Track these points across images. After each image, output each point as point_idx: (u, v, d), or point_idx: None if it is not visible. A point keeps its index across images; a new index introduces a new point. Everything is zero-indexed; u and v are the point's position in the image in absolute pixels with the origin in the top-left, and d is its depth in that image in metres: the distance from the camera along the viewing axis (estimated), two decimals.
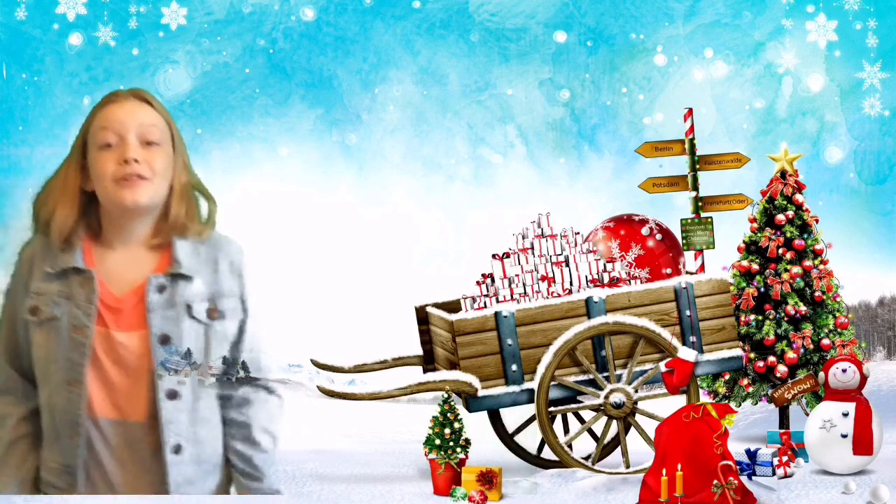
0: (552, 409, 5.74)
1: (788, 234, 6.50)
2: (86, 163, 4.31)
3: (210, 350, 4.34)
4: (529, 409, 5.92)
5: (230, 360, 4.46)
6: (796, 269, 6.45)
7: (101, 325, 4.27)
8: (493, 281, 5.86)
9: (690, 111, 6.63)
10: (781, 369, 6.36)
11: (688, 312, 5.80)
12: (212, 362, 4.36)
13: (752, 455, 5.59)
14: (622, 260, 5.97)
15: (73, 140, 4.37)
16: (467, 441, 5.46)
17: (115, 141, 4.24)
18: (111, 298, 4.29)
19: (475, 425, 5.75)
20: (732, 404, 6.43)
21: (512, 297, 5.77)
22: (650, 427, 5.38)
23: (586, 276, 5.84)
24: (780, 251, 6.49)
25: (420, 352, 6.30)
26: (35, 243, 4.37)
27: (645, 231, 6.03)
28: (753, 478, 5.42)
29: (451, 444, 5.38)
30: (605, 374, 5.73)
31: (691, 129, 6.60)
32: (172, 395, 4.25)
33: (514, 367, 5.66)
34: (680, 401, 5.66)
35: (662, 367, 5.61)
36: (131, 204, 4.24)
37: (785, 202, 6.55)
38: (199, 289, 4.34)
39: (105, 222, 4.32)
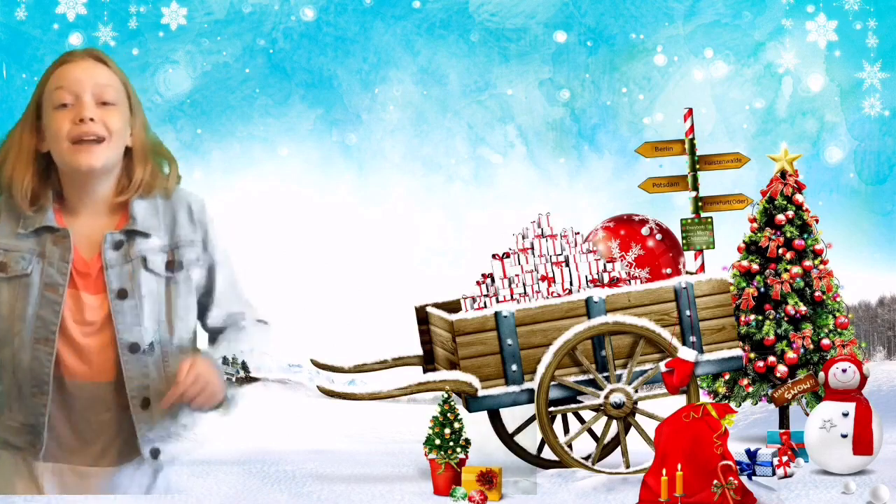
0: (552, 409, 5.74)
1: (788, 234, 6.50)
2: (40, 124, 4.30)
3: (172, 301, 4.33)
4: (529, 409, 5.92)
5: (229, 360, 4.46)
6: (796, 269, 6.45)
7: (72, 286, 4.26)
8: (493, 281, 5.86)
9: (690, 111, 6.63)
10: (781, 369, 6.36)
11: (688, 312, 5.80)
12: (181, 341, 4.34)
13: (752, 455, 5.59)
14: (622, 260, 5.97)
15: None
16: (467, 441, 5.46)
17: (71, 101, 4.24)
18: (81, 263, 4.28)
19: (475, 425, 5.75)
20: (732, 404, 6.43)
21: (512, 297, 5.77)
22: (650, 427, 5.38)
23: (586, 276, 5.84)
24: (780, 251, 6.49)
25: (420, 352, 6.30)
26: (3, 204, 4.36)
27: (645, 231, 6.04)
28: (753, 478, 5.42)
29: (451, 444, 5.38)
30: (605, 374, 5.73)
31: (691, 129, 6.60)
32: (134, 348, 4.23)
33: (514, 367, 5.66)
34: (680, 401, 5.66)
35: (662, 367, 5.61)
36: (86, 167, 4.23)
37: (785, 202, 6.55)
38: (155, 242, 4.33)
39: (66, 186, 4.32)
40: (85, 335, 4.25)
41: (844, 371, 5.54)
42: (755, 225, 6.61)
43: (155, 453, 4.32)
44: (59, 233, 4.26)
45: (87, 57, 4.35)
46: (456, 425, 5.43)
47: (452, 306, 6.07)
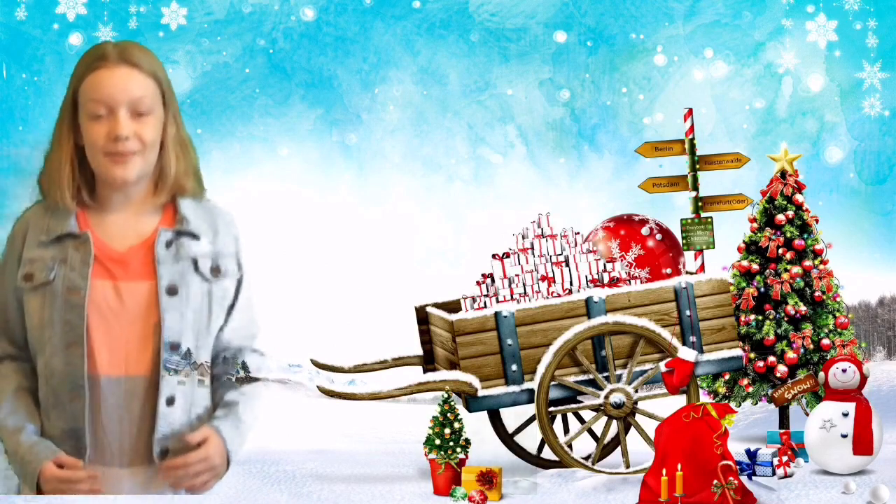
0: (552, 409, 5.74)
1: (788, 234, 6.50)
2: (76, 120, 4.30)
3: (212, 308, 4.35)
4: (529, 409, 5.92)
5: (230, 360, 4.47)
6: (796, 269, 6.45)
7: (108, 277, 4.27)
8: (493, 281, 5.86)
9: (690, 111, 6.63)
10: (781, 369, 6.36)
11: (688, 312, 5.80)
12: (206, 354, 4.35)
13: (752, 455, 5.59)
14: (622, 260, 5.97)
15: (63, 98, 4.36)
16: (467, 441, 5.46)
17: (105, 113, 4.24)
18: (115, 253, 4.29)
19: (475, 425, 5.75)
20: (732, 404, 6.43)
21: (512, 297, 5.77)
22: (650, 427, 5.38)
23: (586, 276, 5.84)
24: (780, 251, 6.49)
25: (420, 352, 6.30)
26: (27, 216, 4.38)
27: (645, 231, 6.04)
28: (753, 478, 5.42)
29: (451, 444, 5.38)
30: (605, 374, 5.73)
31: (691, 129, 6.60)
32: (175, 347, 4.25)
33: (514, 367, 5.66)
34: (680, 401, 5.66)
35: (662, 367, 5.61)
36: (121, 181, 4.25)
37: (785, 202, 6.55)
38: (205, 247, 4.35)
39: (99, 184, 4.33)
40: (124, 325, 4.26)
41: (844, 371, 5.54)
42: (755, 225, 6.61)
43: (164, 453, 4.33)
44: (79, 238, 4.28)
45: (120, 62, 4.31)
46: (456, 425, 5.43)
47: (452, 306, 6.07)
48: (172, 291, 4.27)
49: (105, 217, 4.35)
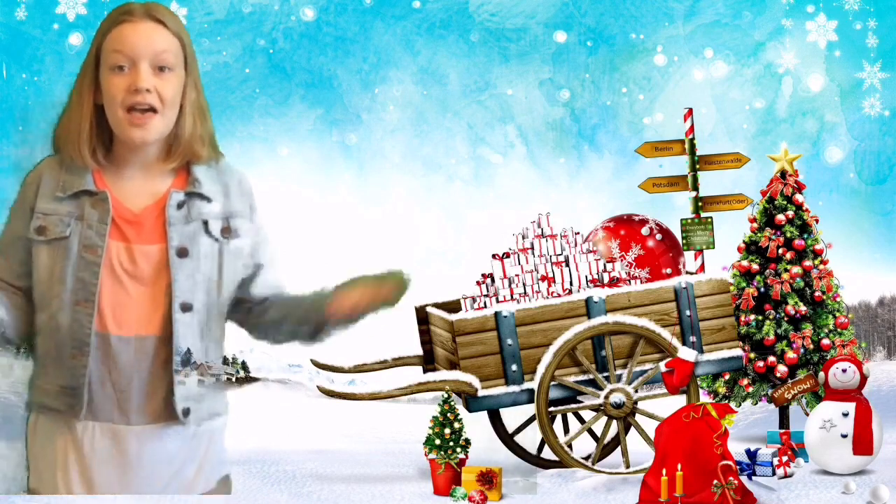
0: (552, 409, 5.74)
1: (788, 234, 6.50)
2: (98, 76, 4.29)
3: (223, 266, 4.36)
4: (529, 409, 5.92)
5: (229, 359, 4.47)
6: (796, 269, 6.45)
7: (122, 239, 4.27)
8: (493, 281, 5.86)
9: (690, 111, 6.63)
10: (781, 369, 6.36)
11: (688, 312, 5.80)
12: (221, 307, 4.35)
13: (752, 455, 5.59)
14: (622, 260, 5.97)
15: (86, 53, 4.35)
16: (467, 441, 5.46)
17: (128, 64, 4.22)
18: (129, 213, 4.29)
19: (475, 425, 5.75)
20: (732, 404, 6.43)
21: (512, 297, 5.77)
22: (650, 427, 5.38)
23: (586, 276, 5.84)
24: (780, 251, 6.49)
25: (420, 352, 6.30)
26: (42, 167, 4.36)
27: (645, 231, 6.04)
28: (753, 478, 5.42)
29: (451, 444, 5.38)
30: (605, 374, 5.73)
31: (691, 129, 6.60)
32: (186, 307, 4.25)
33: (514, 367, 5.66)
34: (680, 401, 5.66)
35: (662, 367, 5.61)
36: (139, 141, 4.25)
37: (785, 202, 6.55)
38: (215, 208, 4.35)
39: (116, 143, 4.32)
40: (136, 286, 4.26)
41: (844, 371, 5.54)
42: (755, 225, 6.61)
43: (186, 412, 4.32)
44: (97, 196, 4.27)
45: (146, 17, 4.31)
46: (456, 425, 5.43)
47: (452, 306, 6.07)
48: (183, 253, 4.28)
49: (120, 176, 4.36)
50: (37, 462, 4.35)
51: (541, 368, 5.64)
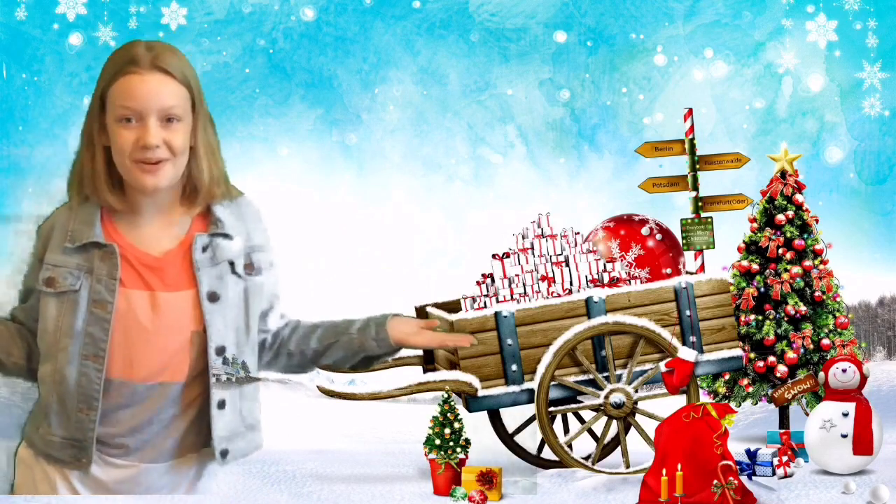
0: (552, 409, 5.74)
1: (788, 234, 6.50)
2: (105, 121, 4.26)
3: (250, 304, 4.35)
4: (529, 409, 5.92)
5: (229, 360, 4.46)
6: (796, 269, 6.45)
7: (145, 287, 4.25)
8: (493, 281, 5.86)
9: (690, 111, 6.63)
10: (781, 369, 6.36)
11: (688, 312, 5.80)
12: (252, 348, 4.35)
13: (752, 455, 5.59)
14: (622, 260, 5.97)
15: (92, 95, 4.31)
16: (467, 441, 5.46)
17: (135, 118, 4.19)
18: (151, 259, 4.26)
19: (475, 425, 5.75)
20: (732, 404, 6.43)
21: (512, 297, 5.77)
22: (650, 427, 5.38)
23: (586, 276, 5.84)
24: (780, 251, 6.49)
25: (420, 352, 6.30)
26: (54, 217, 4.35)
27: (645, 231, 6.03)
28: (753, 478, 5.42)
29: (451, 444, 5.38)
30: (605, 374, 5.73)
31: (691, 129, 6.60)
32: (220, 351, 4.24)
33: (514, 367, 5.66)
34: (680, 401, 5.66)
35: (662, 367, 5.61)
36: (152, 188, 4.22)
37: (785, 202, 6.55)
38: (238, 246, 4.34)
39: (128, 189, 4.29)
40: (161, 335, 4.23)
41: (844, 371, 5.54)
42: (755, 225, 6.61)
43: (224, 454, 4.33)
44: (106, 248, 4.23)
45: (153, 69, 4.24)
46: (456, 425, 5.43)
47: (452, 306, 6.07)
48: (214, 298, 4.26)
49: (137, 224, 4.33)
50: (23, 490, 4.35)
51: (541, 368, 5.64)
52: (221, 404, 4.29)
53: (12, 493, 4.37)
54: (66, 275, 4.23)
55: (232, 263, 4.32)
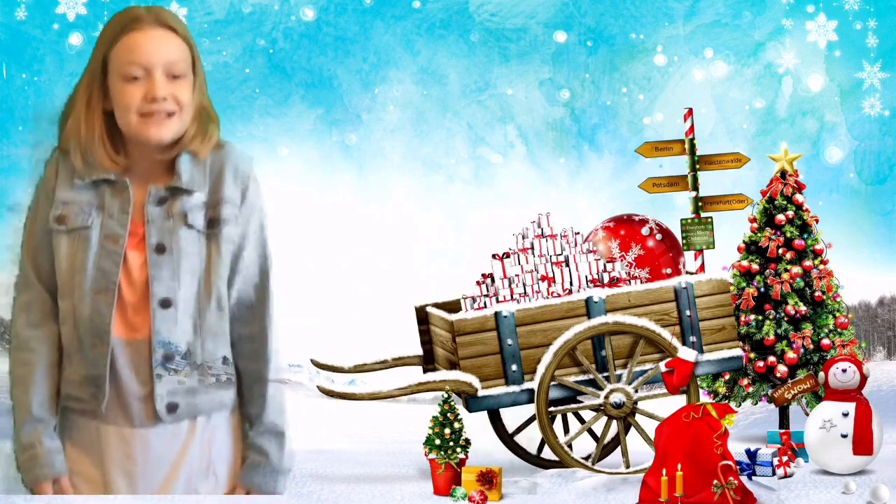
0: (552, 409, 5.74)
1: (788, 234, 6.50)
2: (106, 84, 4.26)
3: (212, 258, 4.31)
4: (529, 409, 5.92)
5: (229, 360, 4.44)
6: (796, 269, 6.45)
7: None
8: (493, 281, 5.86)
9: (690, 111, 6.63)
10: (781, 369, 6.36)
11: (688, 312, 5.80)
12: (220, 299, 4.29)
13: (752, 455, 5.59)
14: (622, 260, 5.97)
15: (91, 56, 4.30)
16: (467, 441, 5.46)
17: (142, 74, 4.19)
18: (132, 223, 4.27)
19: (475, 425, 5.75)
20: (732, 404, 6.43)
21: (512, 297, 5.77)
22: (650, 427, 5.38)
23: (586, 276, 5.84)
24: (780, 251, 6.49)
25: (420, 352, 6.30)
26: (57, 156, 4.34)
27: (645, 231, 6.04)
28: (753, 478, 5.42)
29: (451, 444, 5.38)
30: (605, 374, 5.73)
31: (691, 129, 6.60)
32: (166, 304, 4.21)
33: (514, 367, 5.66)
34: (680, 401, 5.66)
35: (662, 367, 5.61)
36: (156, 140, 4.21)
37: (785, 202, 6.55)
38: (198, 198, 4.30)
39: (130, 146, 4.28)
40: (130, 293, 4.23)
41: (844, 371, 5.54)
42: (755, 225, 6.61)
43: (172, 408, 4.29)
44: (118, 184, 4.23)
45: (157, 24, 4.26)
46: (456, 425, 5.43)
47: (452, 306, 6.07)
48: (161, 250, 4.23)
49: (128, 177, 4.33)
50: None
51: (541, 368, 5.64)
52: (167, 359, 4.26)
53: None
54: (77, 211, 4.23)
55: (185, 215, 4.28)
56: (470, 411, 5.67)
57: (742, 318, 6.46)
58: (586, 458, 5.76)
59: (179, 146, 4.30)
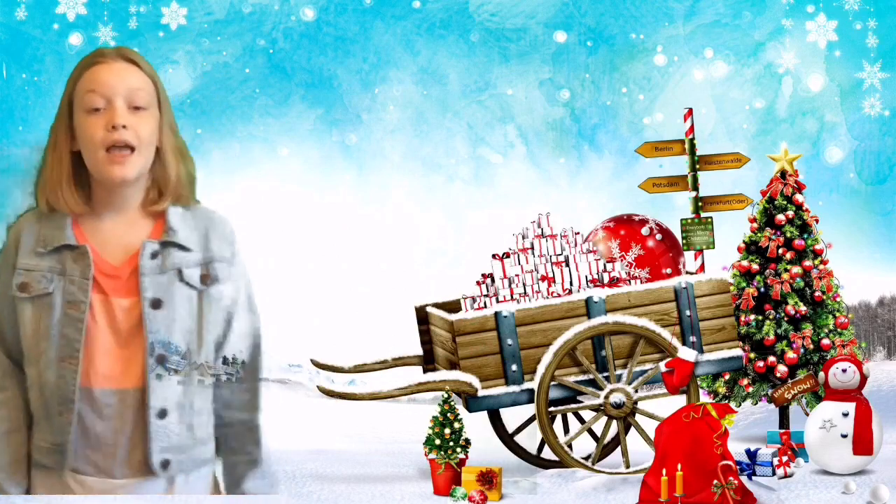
0: (552, 409, 5.74)
1: (788, 234, 6.50)
2: (72, 124, 4.29)
3: (205, 314, 4.33)
4: (529, 409, 5.92)
5: (229, 359, 4.45)
6: (796, 269, 6.45)
7: (99, 292, 4.26)
8: (493, 281, 5.86)
9: (690, 111, 6.63)
10: (781, 369, 6.36)
11: (688, 312, 5.80)
12: (207, 359, 4.34)
13: (752, 455, 5.59)
14: (622, 260, 5.97)
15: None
16: (467, 441, 5.46)
17: (103, 105, 4.22)
18: (108, 267, 4.28)
19: (475, 425, 5.75)
20: (732, 404, 6.43)
21: (512, 297, 5.77)
22: (650, 427, 5.38)
23: (586, 276, 5.84)
24: (780, 251, 6.50)
25: (420, 352, 6.30)
26: (20, 223, 4.36)
27: (645, 231, 6.04)
28: (753, 478, 5.42)
29: (451, 444, 5.38)
30: (605, 374, 5.73)
31: (691, 129, 6.60)
32: (162, 359, 4.23)
33: (514, 367, 5.66)
34: (680, 401, 5.66)
35: (662, 367, 5.61)
36: (119, 179, 4.22)
37: (785, 202, 6.55)
38: (193, 255, 4.33)
39: (96, 190, 4.31)
40: (118, 341, 4.25)
41: (844, 371, 5.54)
42: (755, 225, 6.61)
43: (165, 464, 4.32)
44: (78, 250, 4.26)
45: (118, 58, 4.32)
46: (456, 425, 5.43)
47: (452, 306, 6.07)
48: (156, 304, 4.26)
49: (100, 229, 4.33)
50: None
51: (541, 368, 5.64)
52: (162, 413, 4.28)
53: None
54: (39, 278, 4.25)
55: (180, 271, 4.31)
56: (470, 411, 5.67)
57: (742, 318, 6.46)
58: (586, 458, 5.76)
59: (165, 194, 4.32)
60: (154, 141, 4.31)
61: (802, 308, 6.41)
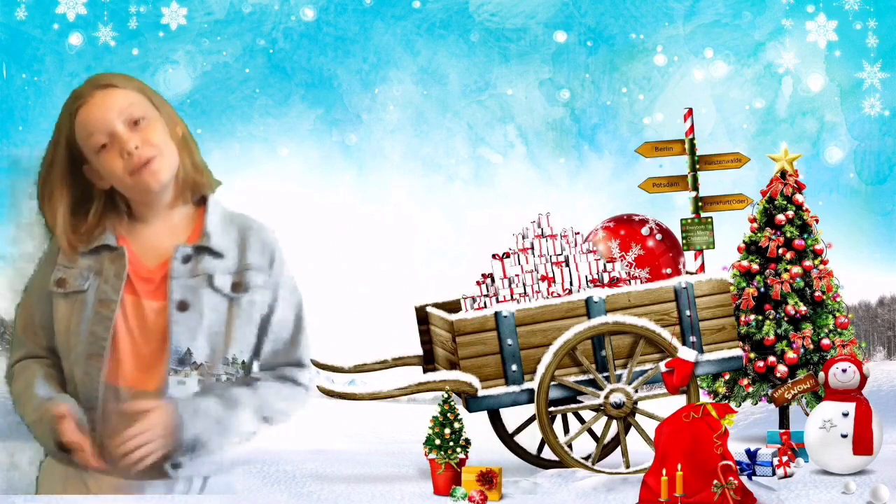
0: (552, 409, 5.74)
1: (788, 234, 6.50)
2: (72, 168, 4.31)
3: (232, 322, 4.35)
4: (529, 409, 5.92)
5: (229, 359, 4.47)
6: (796, 269, 6.45)
7: (132, 293, 4.30)
8: (493, 281, 5.86)
9: (690, 111, 6.63)
10: (781, 369, 6.36)
11: (688, 312, 5.80)
12: (229, 353, 4.35)
13: (752, 455, 5.59)
14: (622, 260, 5.97)
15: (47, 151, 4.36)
16: (467, 441, 5.46)
17: (107, 139, 4.26)
18: (143, 269, 4.32)
19: (475, 425, 5.75)
20: (732, 404, 6.43)
21: (512, 297, 5.77)
22: (650, 427, 5.38)
23: (586, 276, 5.84)
24: (780, 251, 6.49)
25: (420, 352, 6.30)
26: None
27: (645, 231, 6.04)
28: (753, 478, 5.42)
29: (451, 444, 5.38)
30: (605, 374, 5.73)
31: (691, 129, 6.60)
32: (184, 361, 4.26)
33: (514, 367, 5.66)
34: (680, 401, 5.66)
35: (662, 367, 5.61)
36: (158, 186, 4.27)
37: (785, 202, 6.55)
38: (225, 262, 4.35)
39: (133, 203, 4.34)
40: (145, 342, 4.28)
41: (844, 371, 5.54)
42: (755, 225, 6.61)
43: (176, 466, 4.34)
44: (116, 251, 4.30)
45: (94, 90, 4.35)
46: (456, 425, 5.43)
47: (452, 306, 6.07)
48: (183, 307, 4.28)
49: (140, 229, 4.37)
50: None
51: (541, 368, 5.64)
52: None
53: (38, 493, 4.42)
54: (76, 275, 4.30)
55: (210, 277, 4.34)
56: (470, 411, 5.67)
57: (742, 318, 6.46)
58: (586, 458, 5.76)
59: (185, 186, 4.34)
60: (168, 138, 4.33)
61: (802, 308, 6.41)
